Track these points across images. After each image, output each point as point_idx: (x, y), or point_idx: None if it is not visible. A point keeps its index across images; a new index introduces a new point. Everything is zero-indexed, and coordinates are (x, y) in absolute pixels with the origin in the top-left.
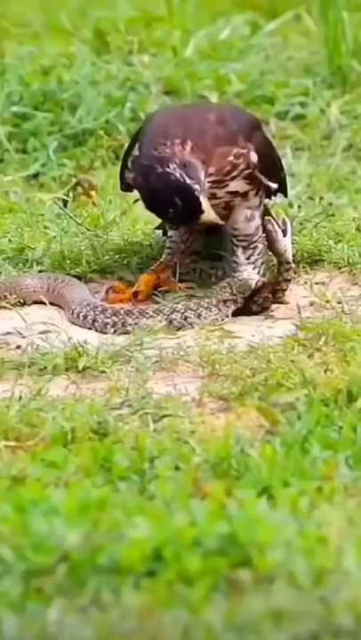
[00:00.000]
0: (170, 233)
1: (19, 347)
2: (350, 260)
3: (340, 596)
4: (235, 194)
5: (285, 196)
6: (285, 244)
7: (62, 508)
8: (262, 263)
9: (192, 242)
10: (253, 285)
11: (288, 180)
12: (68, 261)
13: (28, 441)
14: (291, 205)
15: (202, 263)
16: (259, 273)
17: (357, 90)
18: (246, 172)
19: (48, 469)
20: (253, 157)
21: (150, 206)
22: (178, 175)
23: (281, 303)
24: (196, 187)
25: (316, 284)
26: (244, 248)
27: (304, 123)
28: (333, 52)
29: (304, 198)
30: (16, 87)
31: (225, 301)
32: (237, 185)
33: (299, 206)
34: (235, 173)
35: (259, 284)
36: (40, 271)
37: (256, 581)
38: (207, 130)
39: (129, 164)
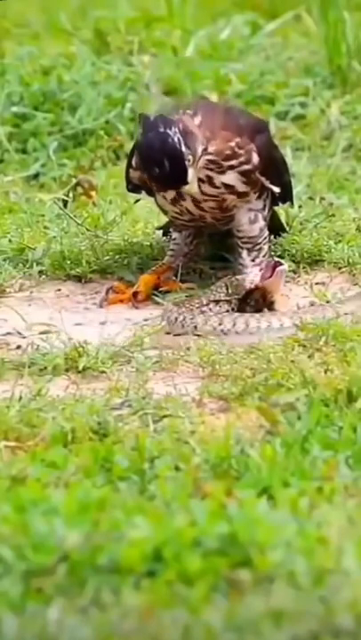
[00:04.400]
0: (173, 235)
1: (19, 347)
2: (350, 260)
3: (340, 596)
4: (231, 189)
5: (291, 202)
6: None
7: (62, 508)
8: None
9: (196, 245)
10: (248, 286)
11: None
12: (68, 262)
13: (28, 441)
14: (291, 205)
15: (202, 263)
16: None
17: (357, 90)
18: (245, 167)
19: (48, 469)
20: (255, 158)
21: (141, 160)
22: (175, 139)
23: (271, 310)
24: (189, 156)
25: (317, 284)
26: (249, 250)
27: (304, 123)
28: (333, 52)
29: (304, 198)
30: (16, 87)
31: (217, 302)
32: (233, 178)
33: (299, 206)
34: (233, 162)
35: (251, 286)
36: (40, 272)
37: (256, 581)
38: (217, 114)
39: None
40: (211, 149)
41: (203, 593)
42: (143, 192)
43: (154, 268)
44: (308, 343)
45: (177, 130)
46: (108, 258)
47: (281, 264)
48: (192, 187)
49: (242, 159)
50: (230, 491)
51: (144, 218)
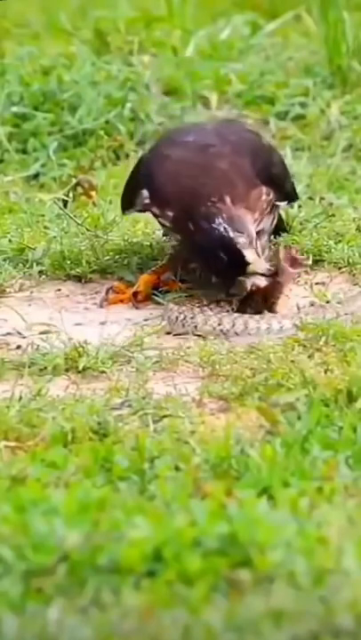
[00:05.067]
0: (174, 240)
1: (19, 347)
2: (350, 261)
3: (340, 596)
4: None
5: (296, 199)
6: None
7: (62, 508)
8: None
9: None
10: (248, 288)
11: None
12: (68, 262)
13: (28, 441)
14: (291, 205)
15: None
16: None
17: (357, 90)
18: (273, 204)
19: (48, 469)
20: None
21: (198, 261)
22: (222, 229)
23: (272, 312)
24: (241, 239)
25: (317, 284)
26: None
27: (304, 123)
28: (333, 52)
29: (304, 198)
30: (16, 87)
31: (218, 302)
32: (267, 220)
33: (299, 206)
34: (268, 209)
35: (253, 288)
36: (40, 272)
37: (256, 581)
38: (230, 177)
39: (136, 204)
40: (256, 216)
41: (203, 593)
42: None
43: (154, 268)
44: (308, 343)
45: (221, 220)
46: (108, 258)
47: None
48: (257, 265)
49: (272, 200)
50: (230, 491)
51: (144, 218)
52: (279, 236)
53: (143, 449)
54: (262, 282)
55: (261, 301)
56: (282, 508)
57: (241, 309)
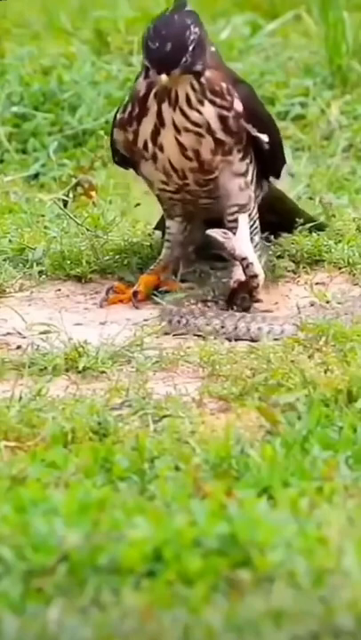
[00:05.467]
0: (168, 224)
1: (19, 347)
2: (350, 260)
3: (340, 596)
4: (208, 129)
5: (284, 163)
6: (232, 244)
7: (62, 508)
8: (260, 256)
9: (190, 231)
10: (232, 285)
11: (288, 180)
12: (69, 262)
13: (28, 441)
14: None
15: (202, 263)
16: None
17: (357, 90)
18: (224, 111)
19: (48, 469)
20: (238, 105)
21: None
22: (192, 27)
23: (256, 301)
24: (194, 37)
25: (317, 284)
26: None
27: (304, 123)
28: (333, 52)
29: (304, 198)
30: (16, 87)
31: (205, 302)
32: (211, 113)
33: None
34: (217, 99)
35: (235, 285)
36: (40, 272)
37: (256, 581)
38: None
39: (117, 121)
40: (207, 74)
41: (203, 593)
42: (131, 169)
43: (152, 267)
44: (308, 343)
45: (196, 30)
46: (108, 258)
47: None
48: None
49: (225, 104)
50: (230, 491)
51: (144, 218)
52: (279, 235)
53: (143, 449)
54: (242, 276)
55: (247, 297)
56: (282, 508)
57: (229, 309)
